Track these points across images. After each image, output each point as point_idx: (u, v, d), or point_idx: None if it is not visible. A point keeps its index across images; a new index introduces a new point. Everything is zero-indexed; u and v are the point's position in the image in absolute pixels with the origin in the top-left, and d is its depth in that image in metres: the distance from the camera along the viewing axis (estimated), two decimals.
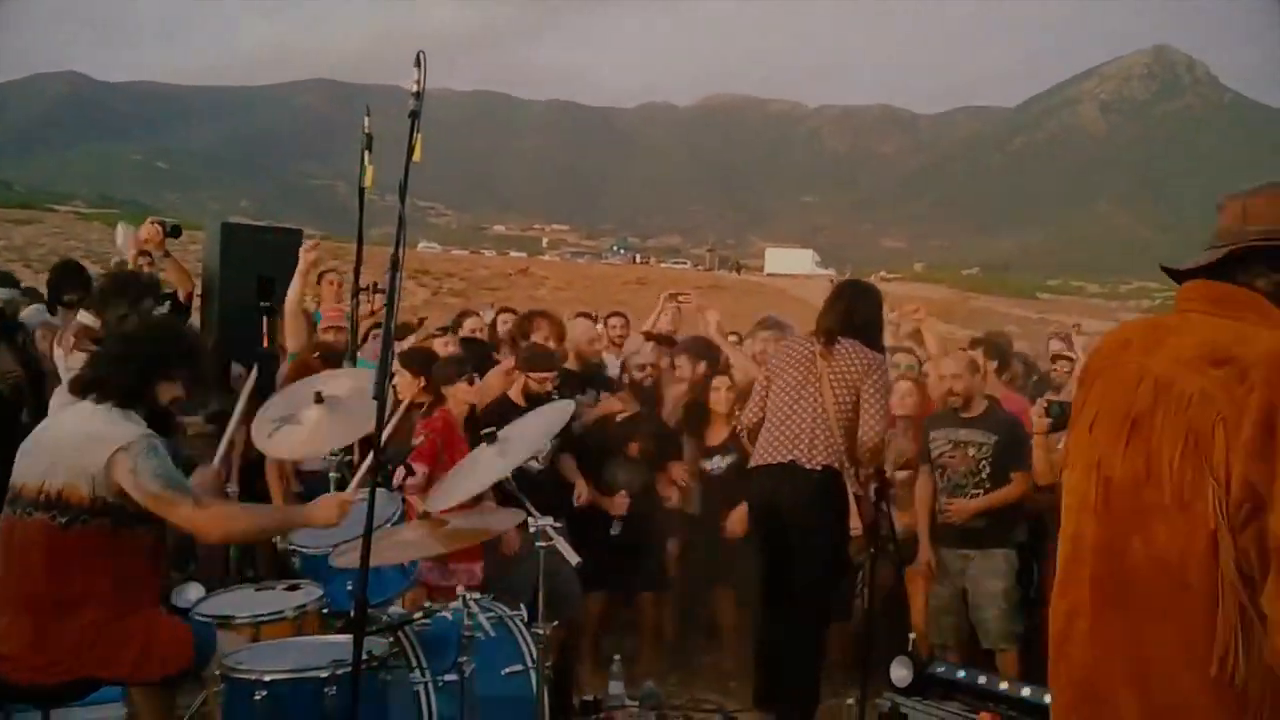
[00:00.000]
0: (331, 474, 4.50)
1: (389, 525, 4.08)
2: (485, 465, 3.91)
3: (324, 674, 3.22)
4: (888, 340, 7.13)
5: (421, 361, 5.67)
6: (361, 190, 3.96)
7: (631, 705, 5.69)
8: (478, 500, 5.05)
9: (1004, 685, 4.78)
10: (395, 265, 2.90)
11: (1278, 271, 2.10)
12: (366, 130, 4.04)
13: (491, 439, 3.96)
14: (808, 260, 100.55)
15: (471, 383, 5.28)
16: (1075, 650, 2.14)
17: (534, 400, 5.70)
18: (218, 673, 3.39)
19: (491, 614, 3.87)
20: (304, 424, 3.84)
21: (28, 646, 3.40)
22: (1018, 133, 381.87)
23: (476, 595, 3.82)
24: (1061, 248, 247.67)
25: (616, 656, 5.92)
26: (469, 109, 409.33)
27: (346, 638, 3.21)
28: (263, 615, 3.74)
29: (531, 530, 3.83)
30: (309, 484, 5.83)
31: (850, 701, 5.35)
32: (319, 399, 3.88)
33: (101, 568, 3.47)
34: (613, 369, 7.09)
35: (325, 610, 3.89)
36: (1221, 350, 1.98)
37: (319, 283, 7.29)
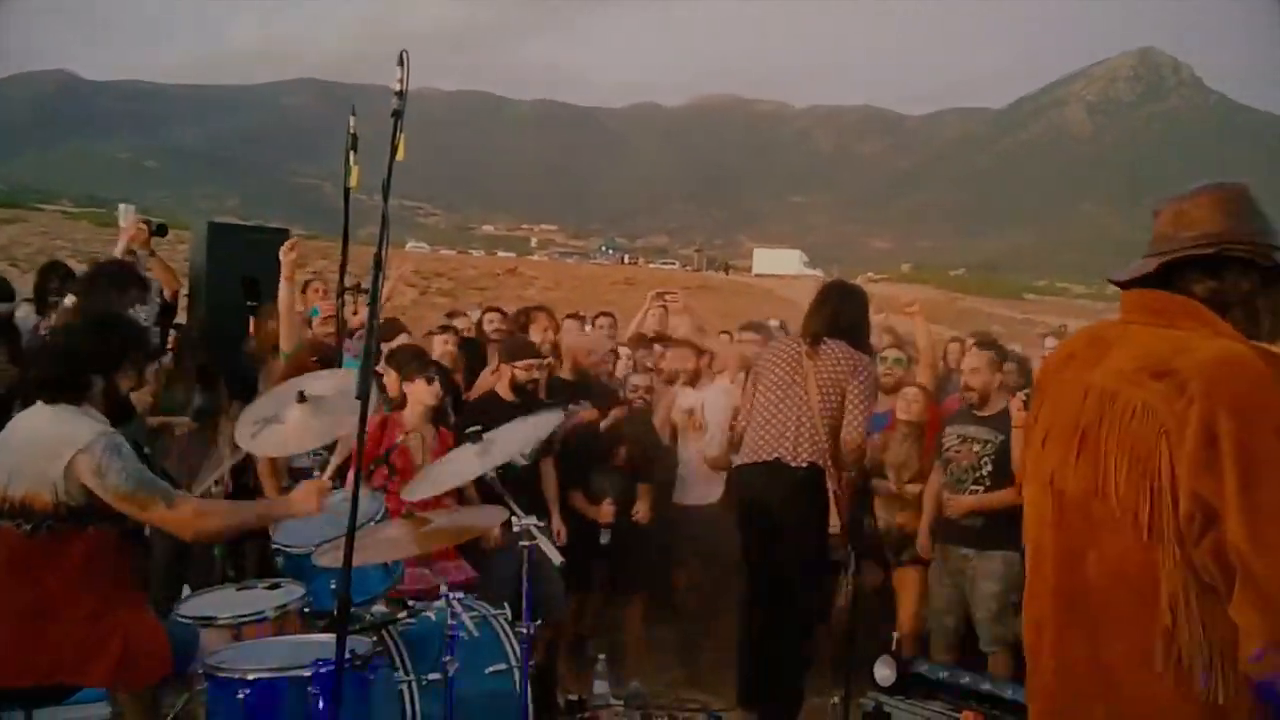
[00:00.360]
0: (315, 472, 4.51)
1: (372, 524, 4.07)
2: (464, 463, 3.91)
3: (307, 673, 3.21)
4: (878, 338, 7.18)
5: (411, 359, 5.66)
6: (347, 190, 3.95)
7: (616, 705, 5.70)
8: (462, 498, 5.08)
9: (987, 685, 4.80)
10: (378, 265, 2.89)
11: (1213, 277, 2.09)
12: (351, 130, 4.03)
13: (475, 438, 3.96)
14: (795, 261, 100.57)
15: (430, 382, 5.25)
16: (1044, 660, 2.16)
17: (521, 392, 5.70)
18: (200, 672, 3.39)
19: (475, 613, 3.87)
20: (286, 423, 3.83)
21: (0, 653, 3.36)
22: (1005, 134, 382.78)
23: (460, 595, 3.82)
24: (1048, 249, 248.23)
25: (601, 656, 5.93)
26: (457, 109, 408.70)
27: (329, 637, 3.21)
28: (244, 615, 3.73)
29: (515, 529, 3.84)
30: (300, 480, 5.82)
31: (834, 700, 5.37)
32: (302, 398, 3.87)
33: (72, 572, 3.43)
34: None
35: (308, 609, 3.89)
36: (1160, 362, 1.98)
37: (304, 291, 7.29)
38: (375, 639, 3.65)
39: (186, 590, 4.28)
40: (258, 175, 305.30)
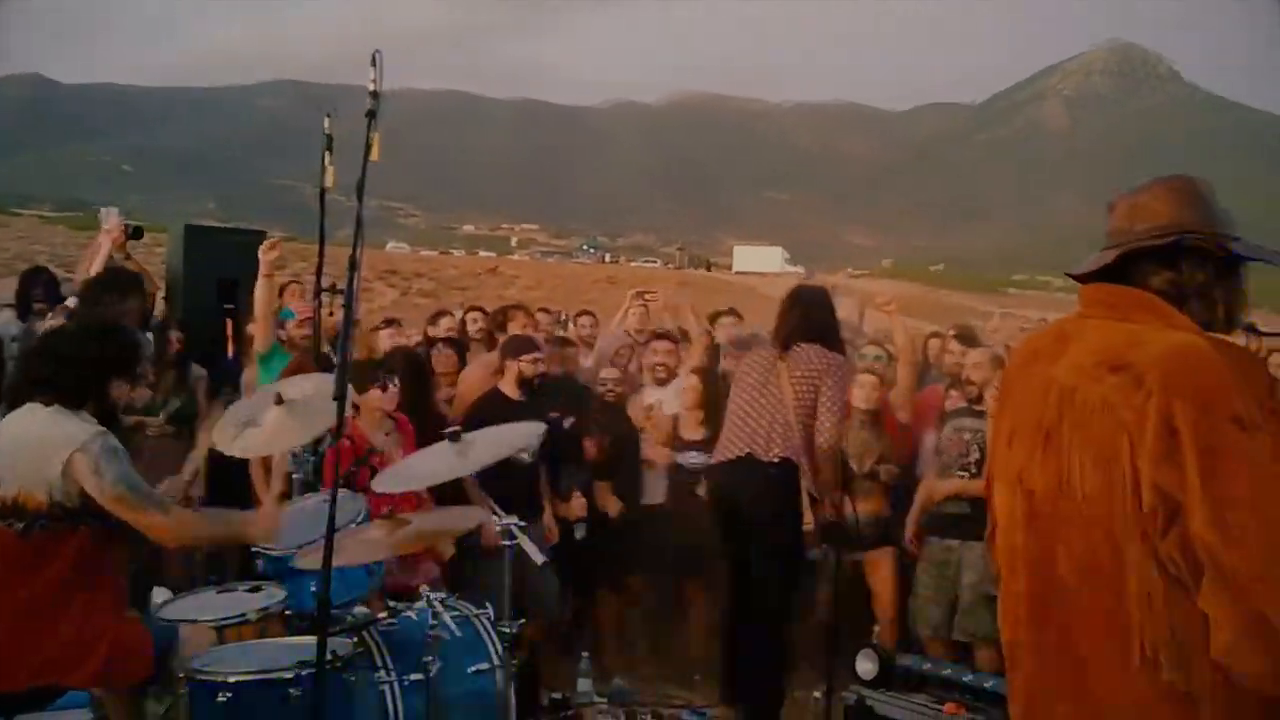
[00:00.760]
0: (295, 475, 4.50)
1: (353, 525, 4.06)
2: (440, 461, 3.91)
3: (288, 675, 3.22)
4: (855, 335, 7.20)
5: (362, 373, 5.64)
6: (323, 191, 3.96)
7: (600, 702, 5.70)
8: (440, 499, 5.07)
9: (969, 677, 4.81)
10: (353, 266, 2.88)
11: (1169, 269, 2.10)
12: (327, 131, 4.04)
13: (455, 438, 3.96)
14: (776, 258, 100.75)
15: (385, 389, 5.23)
16: (1021, 659, 2.18)
17: (528, 388, 5.71)
18: (182, 676, 3.38)
19: (457, 613, 3.86)
20: (263, 425, 3.83)
21: None
22: (983, 129, 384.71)
23: (442, 595, 3.81)
24: (1027, 243, 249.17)
25: (585, 654, 5.93)
26: (437, 108, 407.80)
27: (311, 639, 3.21)
28: (225, 618, 3.72)
29: (497, 529, 3.84)
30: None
31: (816, 695, 5.38)
32: (279, 400, 3.87)
33: (63, 572, 3.44)
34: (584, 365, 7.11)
35: (289, 612, 3.88)
36: (1118, 356, 1.99)
37: (281, 294, 7.28)
38: (356, 640, 3.65)
39: (161, 593, 4.25)
40: (235, 177, 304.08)
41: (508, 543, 3.78)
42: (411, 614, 3.81)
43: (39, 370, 3.63)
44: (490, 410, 5.38)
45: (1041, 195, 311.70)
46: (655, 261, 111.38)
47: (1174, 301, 2.09)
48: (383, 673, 3.66)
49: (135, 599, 4.03)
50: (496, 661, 3.85)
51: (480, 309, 7.94)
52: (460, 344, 7.13)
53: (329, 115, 4.19)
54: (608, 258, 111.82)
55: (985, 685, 4.66)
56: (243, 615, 3.74)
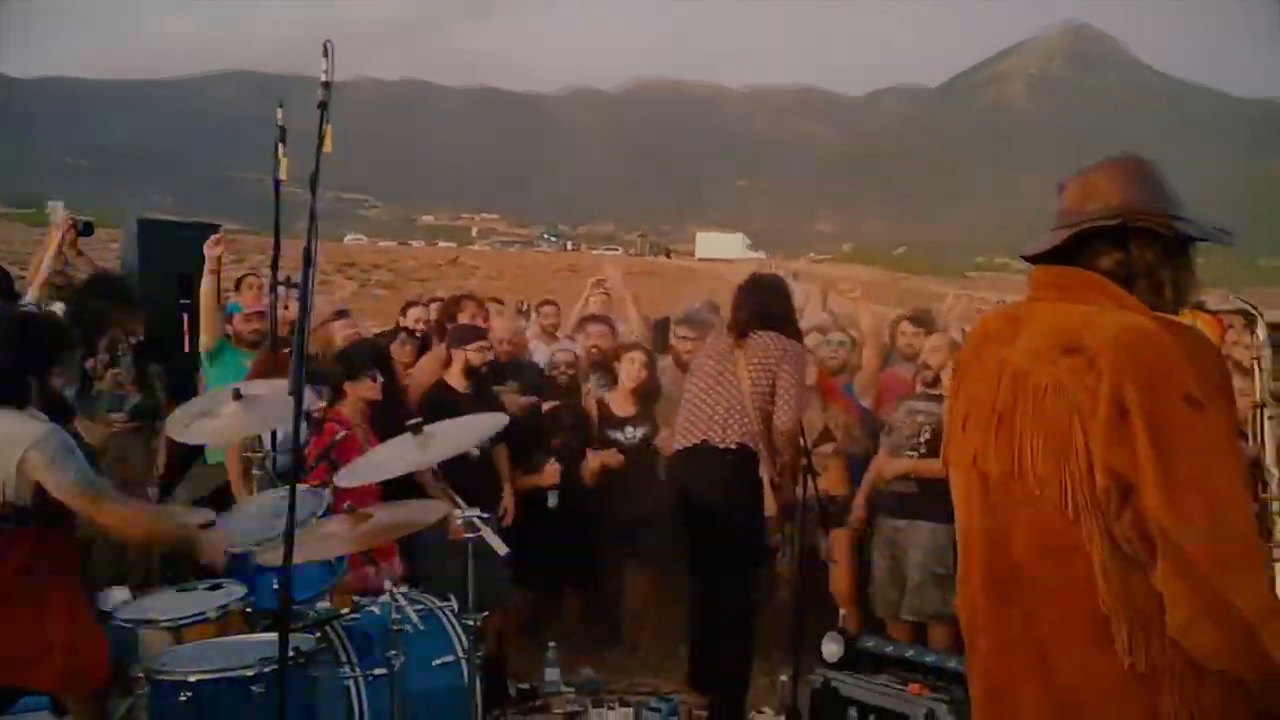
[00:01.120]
0: (255, 471, 4.47)
1: (314, 521, 4.03)
2: (401, 454, 3.89)
3: (250, 673, 3.19)
4: (820, 319, 7.24)
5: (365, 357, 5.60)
6: (277, 183, 3.92)
7: (568, 691, 5.72)
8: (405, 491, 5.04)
9: (931, 657, 4.85)
10: (308, 259, 2.86)
11: (1119, 249, 2.11)
12: (280, 123, 4.00)
13: (417, 430, 3.94)
14: (738, 244, 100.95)
15: (375, 380, 5.21)
16: (980, 641, 2.19)
17: (475, 376, 5.68)
18: (141, 676, 3.35)
19: (420, 606, 3.84)
20: (220, 417, 3.80)
21: None
22: (943, 112, 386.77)
23: (404, 589, 3.79)
24: (988, 226, 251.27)
25: (552, 644, 5.94)
26: (393, 98, 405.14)
27: (272, 636, 3.18)
28: (185, 617, 3.68)
29: (458, 521, 3.82)
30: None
31: (783, 678, 5.41)
32: (237, 395, 3.83)
33: (17, 573, 3.41)
34: (544, 359, 7.10)
35: (250, 609, 3.85)
36: (1070, 338, 1.99)
37: (237, 287, 7.21)
38: (319, 636, 3.62)
39: (119, 591, 4.20)
40: (190, 170, 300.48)
41: (470, 535, 3.77)
42: (374, 608, 3.80)
43: None
44: (436, 402, 5.34)
45: (1002, 177, 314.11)
46: (617, 249, 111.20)
47: (1123, 282, 2.10)
48: (347, 668, 3.64)
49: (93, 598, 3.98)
50: (461, 654, 3.84)
51: (442, 300, 7.91)
52: (424, 336, 7.12)
53: (281, 106, 4.15)
54: (569, 246, 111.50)
55: (948, 665, 4.71)
56: (202, 614, 3.70)
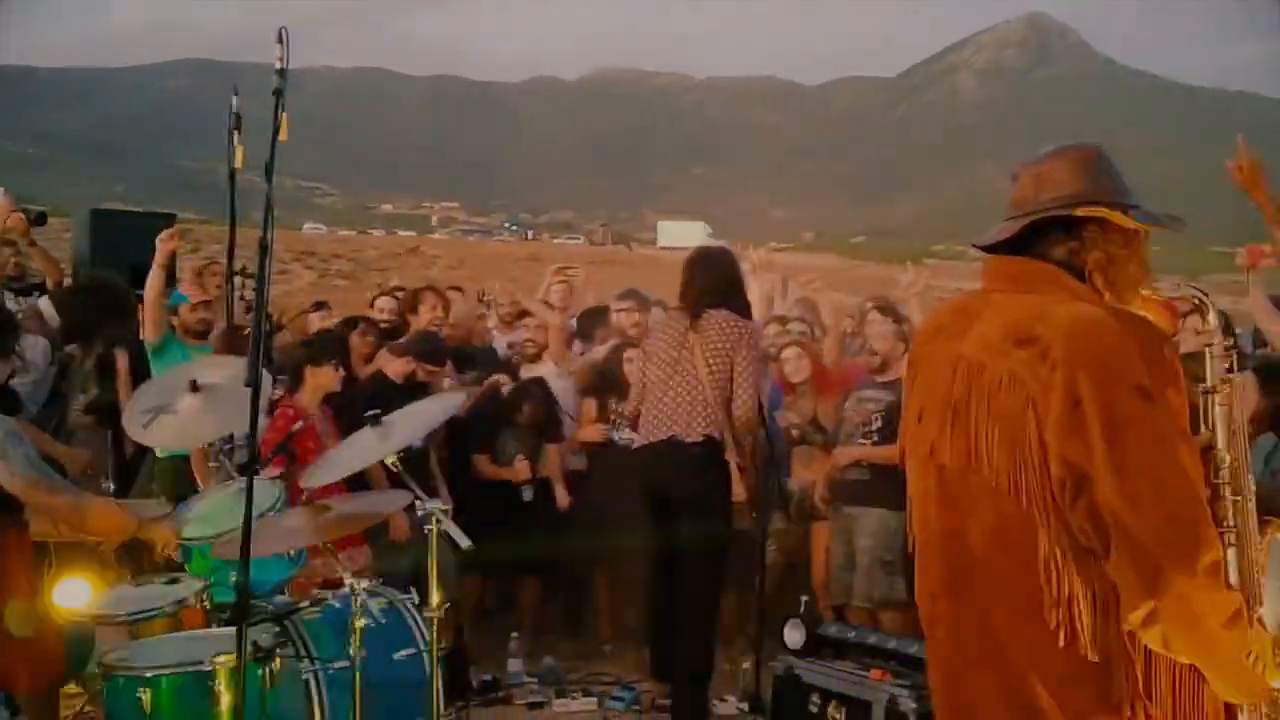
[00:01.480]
0: (211, 463, 4.42)
1: (272, 513, 4.00)
2: (365, 447, 3.86)
3: (208, 667, 3.15)
4: (780, 310, 7.25)
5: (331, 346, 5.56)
6: (232, 172, 3.87)
7: (531, 682, 5.72)
8: (365, 483, 5.01)
9: (892, 643, 4.89)
10: (264, 249, 2.82)
11: (1073, 238, 2.11)
12: (235, 110, 3.95)
13: (375, 421, 3.91)
14: (699, 232, 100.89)
15: (337, 369, 5.16)
16: (938, 630, 2.20)
17: (411, 383, 5.66)
18: (98, 672, 3.30)
19: (381, 599, 3.82)
20: (180, 413, 3.74)
21: None
22: (900, 101, 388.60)
23: (365, 582, 3.76)
24: (945, 213, 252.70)
25: (514, 634, 5.94)
26: (350, 86, 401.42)
27: (230, 630, 3.15)
28: (141, 611, 3.63)
29: (420, 513, 3.80)
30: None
31: (746, 665, 5.44)
32: (194, 387, 3.78)
33: None
34: (503, 349, 7.09)
35: (208, 603, 3.81)
36: (1023, 330, 2.00)
37: (200, 275, 7.12)
38: (278, 629, 3.59)
39: (76, 584, 4.14)
40: (145, 159, 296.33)
41: (431, 528, 3.75)
42: (335, 601, 3.77)
43: None
44: (373, 394, 5.30)
45: (958, 166, 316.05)
46: (578, 238, 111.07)
47: (1076, 271, 2.11)
48: (306, 662, 3.61)
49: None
50: (423, 646, 3.82)
51: (404, 290, 7.86)
52: (390, 327, 7.07)
53: (236, 94, 4.10)
54: (530, 235, 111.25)
55: (910, 651, 4.74)
56: (159, 608, 3.66)
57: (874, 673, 4.74)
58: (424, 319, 6.36)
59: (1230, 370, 2.31)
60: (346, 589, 3.67)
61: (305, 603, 3.76)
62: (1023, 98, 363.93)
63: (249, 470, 2.85)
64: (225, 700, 3.11)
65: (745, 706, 5.32)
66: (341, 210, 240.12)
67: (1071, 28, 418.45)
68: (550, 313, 6.80)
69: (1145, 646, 1.92)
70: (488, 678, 5.64)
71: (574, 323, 7.29)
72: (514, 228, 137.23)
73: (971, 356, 2.08)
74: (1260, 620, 2.21)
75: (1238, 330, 4.85)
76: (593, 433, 6.38)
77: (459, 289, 8.67)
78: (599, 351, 6.61)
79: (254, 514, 2.81)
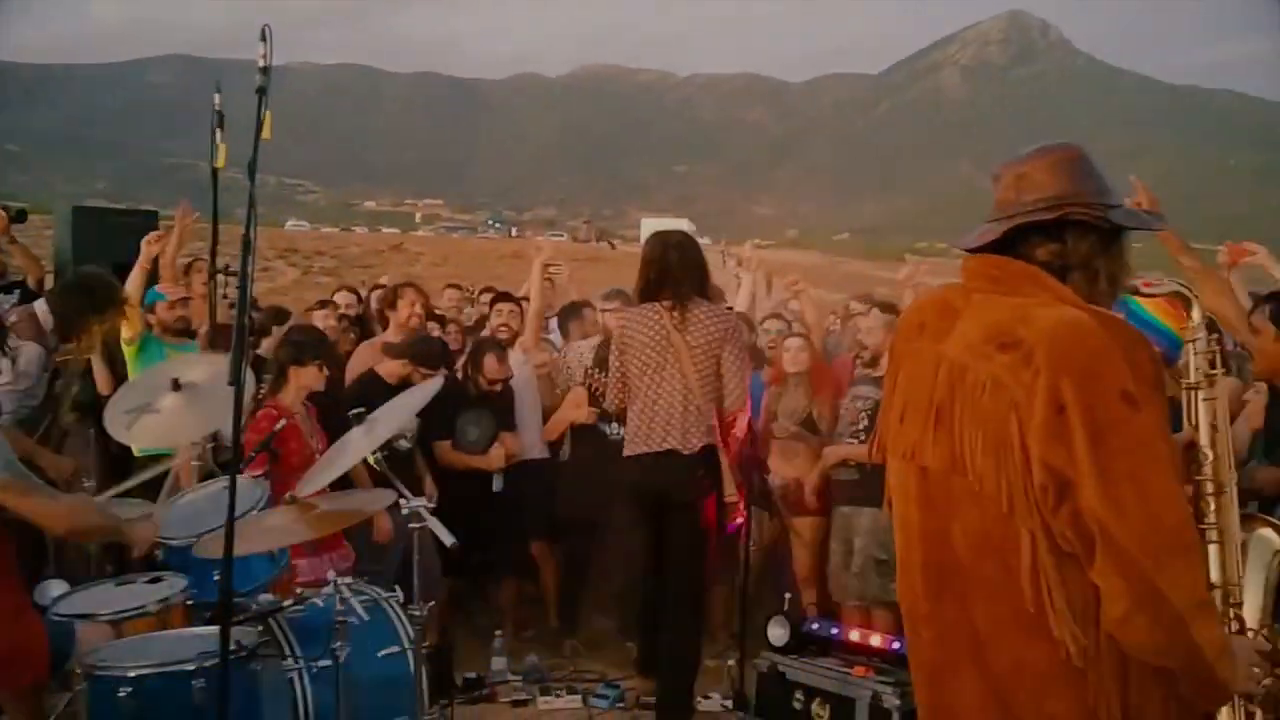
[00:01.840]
0: (195, 462, 4.40)
1: (255, 512, 3.98)
2: (353, 446, 3.86)
3: (191, 667, 3.14)
4: (767, 308, 7.23)
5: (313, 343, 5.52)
6: (215, 170, 3.85)
7: (515, 679, 5.71)
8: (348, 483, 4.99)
9: (876, 640, 4.90)
10: (246, 247, 2.81)
11: (1055, 240, 2.10)
12: (217, 108, 3.93)
13: (360, 419, 3.91)
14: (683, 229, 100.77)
15: (321, 368, 5.13)
16: (920, 630, 2.20)
17: (405, 385, 5.63)
18: (79, 672, 3.29)
19: (365, 597, 3.81)
20: (162, 412, 3.73)
21: None
22: (882, 98, 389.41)
23: (349, 580, 3.76)
24: (927, 210, 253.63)
25: (498, 632, 5.93)
26: (334, 83, 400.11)
27: (214, 629, 3.14)
28: (124, 611, 3.62)
29: (404, 512, 3.79)
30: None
31: (730, 662, 5.44)
32: (176, 386, 3.77)
33: None
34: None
35: (191, 602, 3.79)
36: (1006, 333, 2.00)
37: (187, 272, 7.08)
38: (262, 628, 3.57)
39: (57, 585, 4.11)
40: (128, 156, 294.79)
41: (415, 525, 3.74)
42: (318, 600, 3.75)
43: None
44: (365, 395, 5.16)
45: (940, 163, 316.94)
46: (562, 235, 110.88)
47: (1058, 273, 2.10)
48: (290, 660, 3.60)
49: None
50: (407, 644, 3.81)
51: (384, 287, 7.84)
52: (362, 321, 7.06)
53: (219, 91, 4.08)
54: (514, 232, 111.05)
55: (893, 648, 4.76)
56: (142, 607, 3.64)
57: (857, 669, 4.76)
58: (403, 314, 6.33)
59: (1213, 367, 2.33)
60: (329, 587, 3.67)
61: (289, 602, 3.74)
62: (1005, 94, 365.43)
63: (232, 469, 2.84)
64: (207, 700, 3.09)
65: (729, 704, 5.32)
66: (325, 207, 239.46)
67: (1053, 25, 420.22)
68: (537, 295, 6.77)
69: (1122, 651, 1.92)
70: (472, 675, 5.63)
71: (554, 321, 7.27)
72: (498, 225, 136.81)
73: (954, 358, 2.08)
74: (1239, 616, 2.23)
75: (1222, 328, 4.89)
76: (581, 414, 6.32)
77: (457, 286, 8.59)
78: (584, 345, 6.58)
79: (236, 513, 2.79)
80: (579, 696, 5.54)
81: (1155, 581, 1.84)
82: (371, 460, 3.83)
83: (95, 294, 5.32)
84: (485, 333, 6.88)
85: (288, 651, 3.62)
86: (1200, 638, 1.86)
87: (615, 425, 6.19)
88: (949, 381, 2.07)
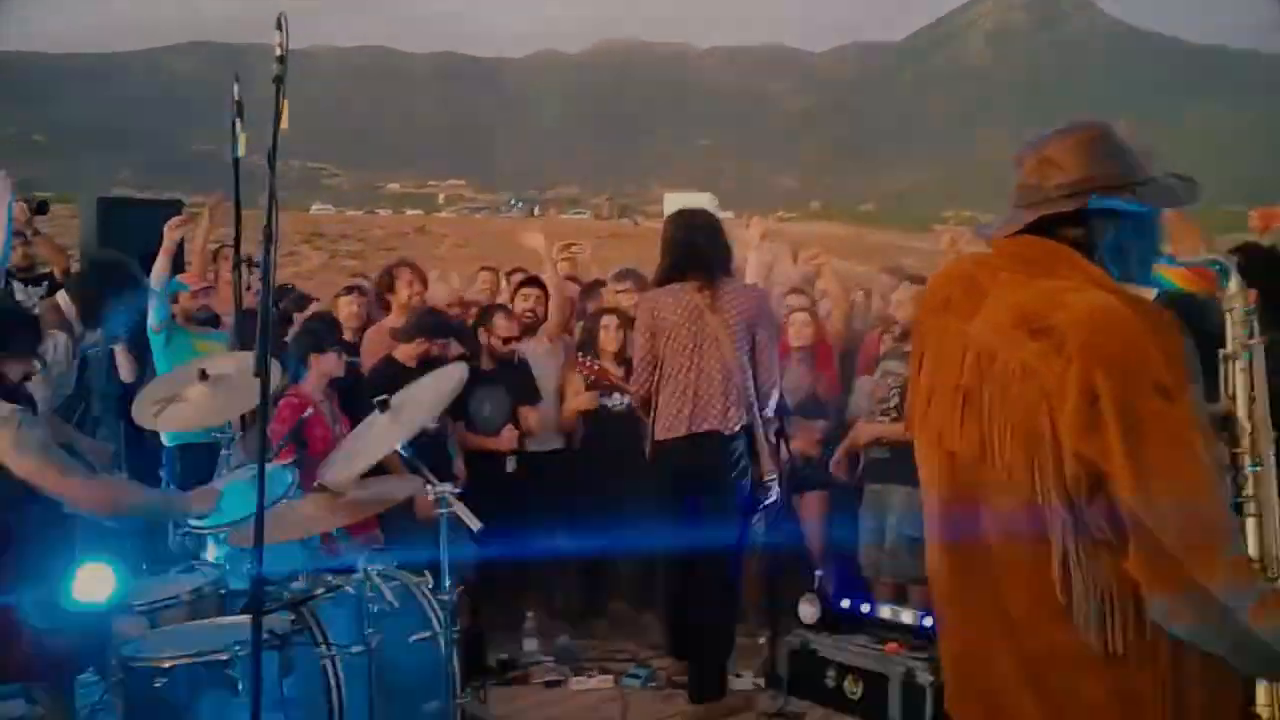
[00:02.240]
0: (223, 451, 4.42)
1: (286, 500, 4.00)
2: (380, 434, 3.85)
3: (224, 656, 3.16)
4: (793, 282, 7.18)
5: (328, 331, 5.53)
6: (236, 160, 3.86)
7: (547, 660, 5.73)
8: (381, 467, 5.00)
9: (907, 617, 4.89)
10: (268, 238, 2.80)
11: (1081, 223, 2.05)
12: (237, 98, 3.93)
13: (384, 406, 3.90)
14: (706, 203, 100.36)
15: (340, 355, 5.12)
16: (948, 610, 2.18)
17: (427, 363, 5.61)
18: (115, 663, 3.32)
19: (395, 583, 3.82)
20: (189, 400, 3.75)
21: None
22: (906, 67, 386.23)
23: (379, 566, 3.77)
24: (953, 179, 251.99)
25: (529, 614, 5.94)
26: (354, 65, 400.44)
27: (246, 618, 3.15)
28: (158, 601, 3.65)
29: (431, 497, 3.79)
30: None
31: (761, 640, 5.44)
32: (204, 376, 3.79)
33: None
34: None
35: (224, 591, 3.82)
36: (1037, 318, 1.95)
37: (215, 259, 7.08)
38: (294, 617, 3.59)
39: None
40: (152, 144, 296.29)
41: (442, 511, 3.74)
42: (349, 587, 3.76)
43: None
44: (386, 379, 5.16)
45: (965, 130, 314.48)
46: (585, 213, 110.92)
47: (1087, 253, 2.05)
48: (323, 648, 3.61)
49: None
50: (438, 629, 3.82)
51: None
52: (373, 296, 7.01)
53: (238, 81, 4.09)
54: (536, 211, 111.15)
55: (925, 624, 4.75)
56: (175, 597, 3.67)
57: (890, 646, 4.75)
58: (403, 295, 6.30)
59: (1251, 335, 2.28)
60: (359, 574, 3.68)
61: (320, 589, 3.75)
62: (1029, 61, 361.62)
63: (259, 459, 2.84)
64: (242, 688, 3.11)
65: (762, 681, 5.32)
66: (348, 190, 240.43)
67: None
68: (561, 283, 6.72)
69: (1169, 635, 1.89)
70: (504, 657, 5.66)
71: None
72: (520, 204, 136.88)
73: (982, 342, 2.03)
74: (1278, 590, 2.19)
75: None
76: (584, 401, 6.27)
77: (491, 269, 8.42)
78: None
79: (267, 500, 2.81)
80: (611, 677, 5.55)
81: (1192, 571, 1.81)
82: (399, 448, 3.82)
83: (110, 275, 5.34)
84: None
85: (320, 639, 3.64)
86: (1255, 624, 1.83)
87: (617, 397, 6.17)
88: (977, 366, 2.03)
